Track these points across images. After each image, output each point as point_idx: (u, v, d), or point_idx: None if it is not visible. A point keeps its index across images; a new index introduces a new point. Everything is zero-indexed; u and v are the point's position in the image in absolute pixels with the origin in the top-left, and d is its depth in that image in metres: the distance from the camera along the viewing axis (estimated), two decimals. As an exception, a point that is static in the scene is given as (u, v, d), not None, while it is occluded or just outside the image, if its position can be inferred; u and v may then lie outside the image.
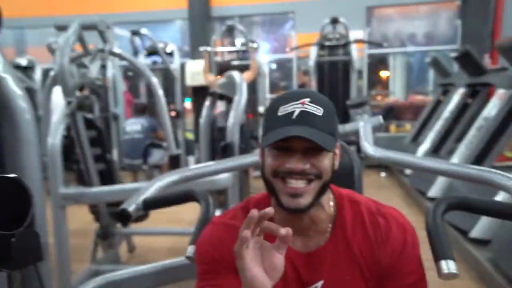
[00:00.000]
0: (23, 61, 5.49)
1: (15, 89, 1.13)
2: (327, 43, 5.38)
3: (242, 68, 4.25)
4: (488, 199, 0.94)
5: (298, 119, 0.78)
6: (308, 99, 0.79)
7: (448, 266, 0.82)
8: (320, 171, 0.80)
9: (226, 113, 3.17)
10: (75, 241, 2.99)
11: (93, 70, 2.32)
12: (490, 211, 0.94)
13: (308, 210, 0.81)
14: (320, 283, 0.85)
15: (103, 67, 3.76)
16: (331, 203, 0.88)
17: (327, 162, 0.80)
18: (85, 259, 2.78)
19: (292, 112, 0.78)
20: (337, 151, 0.86)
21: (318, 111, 0.78)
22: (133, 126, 4.70)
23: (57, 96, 2.23)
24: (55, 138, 2.02)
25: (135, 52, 5.89)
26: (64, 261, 2.11)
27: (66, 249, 2.10)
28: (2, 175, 0.75)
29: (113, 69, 4.97)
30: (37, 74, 5.54)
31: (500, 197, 2.46)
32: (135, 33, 5.67)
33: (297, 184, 0.79)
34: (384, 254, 0.84)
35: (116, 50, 2.60)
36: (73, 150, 2.45)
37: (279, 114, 0.79)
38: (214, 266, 0.86)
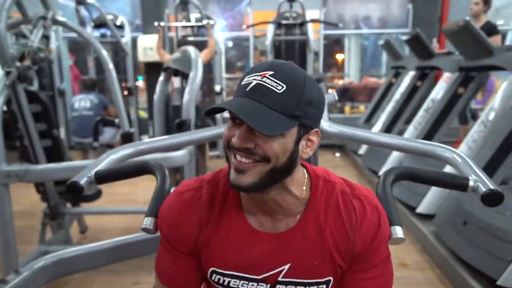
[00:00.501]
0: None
1: None
2: (283, 22, 5.36)
3: (200, 45, 4.14)
4: (432, 170, 0.99)
5: (250, 92, 0.71)
6: (271, 72, 0.72)
7: (396, 231, 0.86)
8: (265, 154, 0.72)
9: (181, 90, 3.09)
10: (22, 223, 2.85)
11: (34, 39, 2.14)
12: (433, 181, 0.99)
13: (253, 192, 0.76)
14: (286, 267, 0.82)
15: (46, 38, 3.50)
16: (305, 184, 0.83)
17: (277, 146, 0.72)
18: (34, 241, 2.65)
19: (249, 84, 0.72)
20: (313, 138, 0.78)
21: (278, 87, 0.70)
22: (82, 102, 4.47)
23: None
24: (-6, 111, 1.87)
25: (81, 24, 5.56)
26: (9, 242, 1.99)
27: (11, 229, 1.98)
28: None
29: (57, 41, 4.67)
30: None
31: (447, 170, 2.61)
32: (80, 2, 5.33)
33: (242, 160, 0.74)
34: (358, 238, 0.81)
35: (60, 18, 2.42)
36: (15, 126, 2.29)
37: (242, 83, 0.74)
38: (170, 239, 0.86)
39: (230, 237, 0.83)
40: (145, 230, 0.88)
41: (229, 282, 0.84)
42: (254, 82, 0.72)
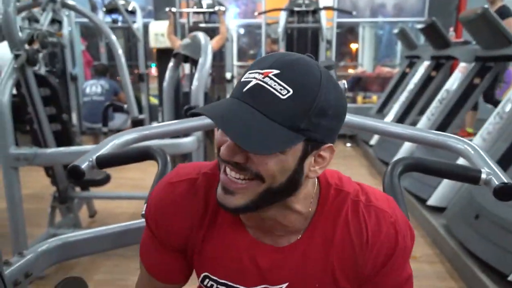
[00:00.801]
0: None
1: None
2: (296, 9, 5.28)
3: (211, 32, 4.10)
4: (442, 161, 0.96)
5: (247, 93, 0.58)
6: (276, 71, 0.58)
7: None
8: (258, 171, 0.60)
9: (190, 77, 3.07)
10: (32, 206, 2.89)
11: (44, 22, 2.13)
12: (444, 172, 0.96)
13: (243, 213, 0.67)
14: (284, 286, 0.73)
15: (59, 22, 3.51)
16: (313, 195, 0.71)
17: (273, 164, 0.59)
18: (43, 224, 2.69)
19: (248, 83, 0.59)
20: (325, 154, 0.65)
21: (283, 91, 0.57)
22: (93, 88, 4.49)
23: (3, 49, 2.07)
24: (3, 94, 1.88)
25: (93, 9, 5.56)
26: (18, 224, 2.02)
27: (20, 211, 2.00)
28: None
29: (69, 26, 4.68)
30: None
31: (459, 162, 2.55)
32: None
33: (231, 175, 0.62)
34: (367, 260, 0.70)
35: (70, 2, 2.41)
36: (25, 109, 2.30)
37: (242, 80, 0.61)
38: (156, 231, 0.77)
39: (226, 243, 0.74)
40: (144, 216, 0.87)
41: None
42: (253, 82, 0.58)
